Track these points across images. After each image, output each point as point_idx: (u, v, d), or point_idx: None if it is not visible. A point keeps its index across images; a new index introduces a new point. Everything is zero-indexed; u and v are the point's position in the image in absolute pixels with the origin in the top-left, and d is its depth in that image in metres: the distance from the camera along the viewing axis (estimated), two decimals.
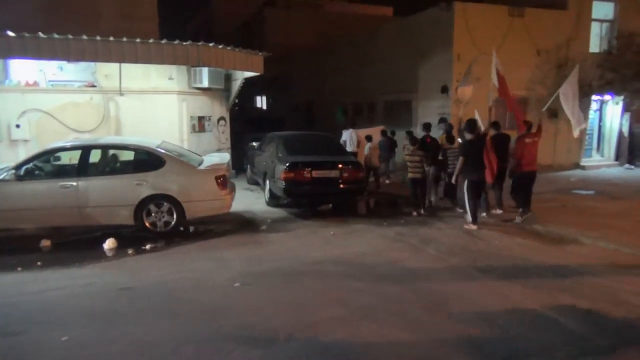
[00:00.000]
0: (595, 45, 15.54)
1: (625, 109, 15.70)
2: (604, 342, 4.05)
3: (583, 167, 15.30)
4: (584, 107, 15.23)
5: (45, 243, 7.07)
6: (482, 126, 8.81)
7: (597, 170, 14.86)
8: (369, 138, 11.79)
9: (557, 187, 11.74)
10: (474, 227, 7.93)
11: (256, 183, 11.49)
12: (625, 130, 15.88)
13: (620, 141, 16.04)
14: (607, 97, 15.55)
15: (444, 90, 13.93)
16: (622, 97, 15.38)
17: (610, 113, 16.21)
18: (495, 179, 8.42)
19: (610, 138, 16.33)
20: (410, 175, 8.98)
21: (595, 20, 15.44)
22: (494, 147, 8.22)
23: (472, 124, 8.09)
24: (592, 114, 15.92)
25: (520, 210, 8.37)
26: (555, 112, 15.03)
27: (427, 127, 9.93)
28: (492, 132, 8.73)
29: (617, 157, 16.11)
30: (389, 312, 4.66)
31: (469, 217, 8.02)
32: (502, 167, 8.63)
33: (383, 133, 12.75)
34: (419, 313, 4.66)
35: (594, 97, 15.31)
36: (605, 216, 8.56)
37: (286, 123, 19.37)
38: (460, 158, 8.04)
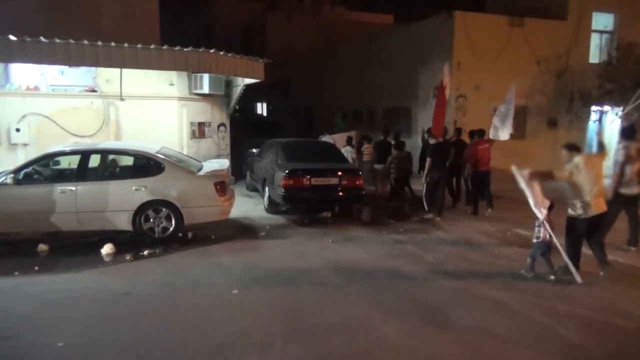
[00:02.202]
0: (594, 55, 15.61)
1: (624, 119, 15.71)
2: None
3: None
4: (584, 117, 15.32)
5: (43, 247, 7.02)
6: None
7: None
8: (349, 141, 12.59)
9: (556, 196, 11.69)
10: (429, 215, 9.19)
11: (255, 189, 11.48)
12: None
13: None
14: (606, 107, 15.59)
15: None
16: (621, 108, 15.40)
17: (609, 123, 16.21)
18: (451, 176, 10.10)
19: (610, 149, 16.30)
20: (394, 175, 10.29)
21: (595, 31, 15.53)
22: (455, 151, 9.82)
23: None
24: (592, 124, 15.94)
25: (487, 205, 9.55)
26: (554, 122, 15.10)
27: (385, 132, 11.81)
28: (454, 138, 10.48)
29: None
30: (385, 320, 4.65)
31: (426, 207, 9.33)
32: (458, 167, 9.96)
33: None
34: (416, 321, 4.65)
35: (593, 107, 15.35)
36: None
37: (285, 129, 19.39)
38: (428, 159, 9.26)
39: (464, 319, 4.70)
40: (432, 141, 9.34)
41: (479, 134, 9.72)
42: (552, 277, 5.79)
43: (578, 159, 5.77)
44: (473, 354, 4.06)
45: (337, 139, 13.00)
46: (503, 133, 9.59)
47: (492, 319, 4.73)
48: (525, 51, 14.32)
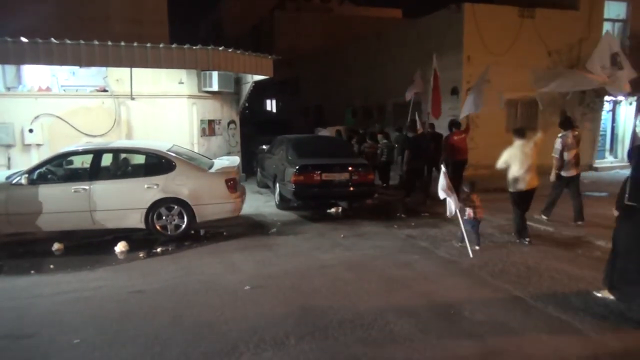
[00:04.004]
0: None
1: (639, 109, 15.49)
2: None
3: (596, 169, 15.10)
4: (597, 108, 15.10)
5: (58, 246, 7.13)
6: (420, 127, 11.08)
7: (610, 172, 14.66)
8: (339, 134, 13.55)
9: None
10: (409, 199, 10.25)
11: (266, 186, 11.52)
12: (639, 131, 15.66)
13: (634, 142, 15.80)
14: (620, 97, 15.36)
15: (454, 92, 13.86)
16: (635, 98, 15.18)
17: (623, 114, 16.00)
18: (429, 167, 11.18)
19: (624, 139, 16.11)
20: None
21: (607, 20, 15.27)
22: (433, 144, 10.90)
23: (414, 125, 10.65)
24: (605, 115, 15.72)
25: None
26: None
27: (364, 127, 13.80)
28: (429, 131, 11.60)
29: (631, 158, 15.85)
30: (399, 315, 4.64)
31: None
32: (434, 157, 10.80)
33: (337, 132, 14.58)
34: (430, 316, 4.64)
35: (606, 97, 15.12)
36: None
37: (295, 126, 19.42)
38: (407, 151, 10.12)
39: (478, 314, 4.67)
40: (410, 134, 10.50)
41: (455, 125, 10.47)
42: (477, 247, 6.73)
43: (517, 143, 6.86)
44: (487, 349, 4.04)
45: (330, 133, 13.84)
46: (475, 107, 10.64)
47: (506, 313, 4.70)
48: (537, 42, 14.11)
